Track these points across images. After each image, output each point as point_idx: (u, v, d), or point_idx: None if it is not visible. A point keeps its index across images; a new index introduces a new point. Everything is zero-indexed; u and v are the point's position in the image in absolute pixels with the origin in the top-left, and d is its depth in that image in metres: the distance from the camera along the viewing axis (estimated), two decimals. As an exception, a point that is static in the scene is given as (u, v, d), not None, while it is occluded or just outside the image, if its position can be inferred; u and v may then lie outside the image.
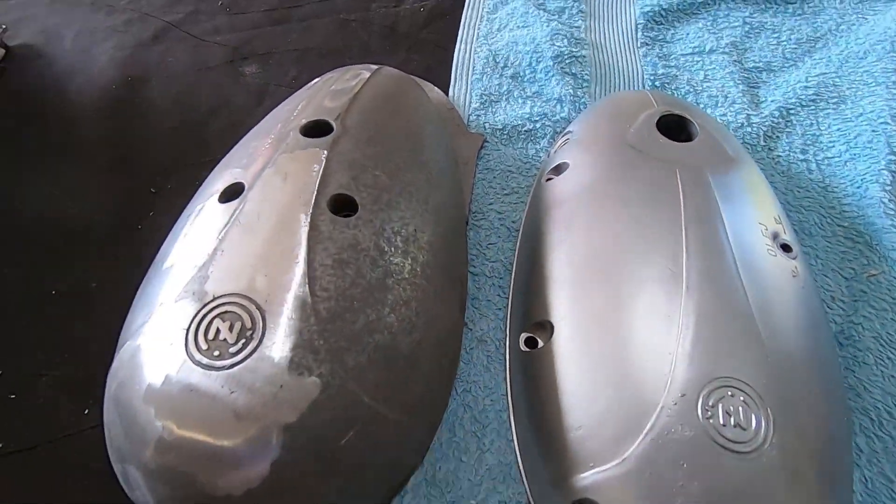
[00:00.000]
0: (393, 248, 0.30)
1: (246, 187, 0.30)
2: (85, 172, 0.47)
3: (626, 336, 0.30)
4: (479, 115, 0.51)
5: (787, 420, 0.27)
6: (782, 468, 0.25)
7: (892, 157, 0.45)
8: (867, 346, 0.37)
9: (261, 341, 0.24)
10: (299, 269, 0.26)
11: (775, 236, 0.34)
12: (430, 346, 0.30)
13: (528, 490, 0.31)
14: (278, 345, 0.24)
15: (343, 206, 0.30)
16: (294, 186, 0.29)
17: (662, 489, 0.25)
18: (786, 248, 0.34)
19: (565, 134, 0.45)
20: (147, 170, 0.47)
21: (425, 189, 0.35)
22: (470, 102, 0.52)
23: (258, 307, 0.25)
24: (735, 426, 0.26)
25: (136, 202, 0.45)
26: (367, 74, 0.41)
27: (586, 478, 0.27)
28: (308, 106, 0.36)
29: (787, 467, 0.26)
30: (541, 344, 0.33)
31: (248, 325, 0.25)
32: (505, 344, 0.37)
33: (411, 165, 0.35)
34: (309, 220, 0.28)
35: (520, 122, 0.50)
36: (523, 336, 0.34)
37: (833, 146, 0.48)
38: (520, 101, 0.52)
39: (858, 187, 0.45)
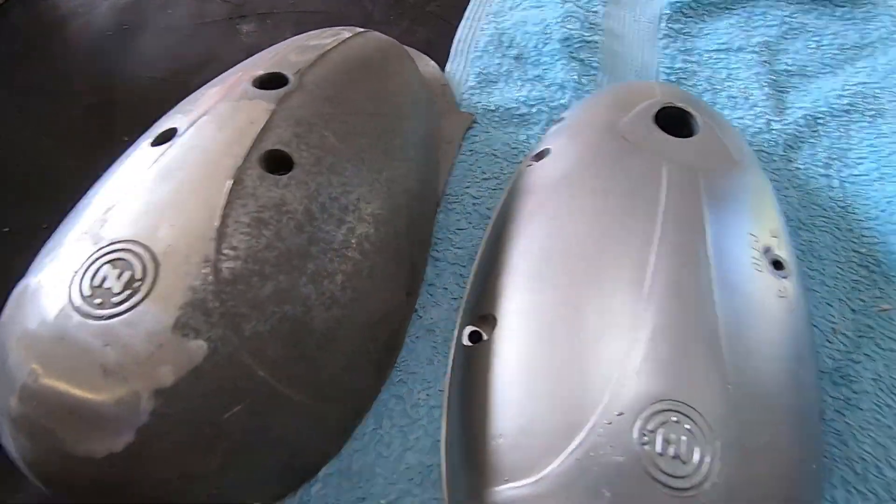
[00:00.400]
0: (326, 215, 0.27)
1: (178, 133, 0.28)
2: (65, 114, 0.47)
3: (569, 341, 0.26)
4: (473, 94, 0.48)
5: (738, 459, 0.23)
6: (722, 514, 0.22)
7: (928, 182, 0.39)
8: (864, 388, 0.32)
9: (147, 294, 0.22)
10: (210, 223, 0.24)
11: (767, 250, 0.30)
12: (354, 326, 0.28)
13: (445, 497, 0.28)
14: (166, 301, 0.22)
15: (279, 163, 0.28)
16: (228, 136, 0.27)
17: (578, 517, 0.22)
18: (778, 265, 0.30)
19: (558, 120, 0.42)
20: (125, 118, 0.46)
21: (381, 159, 0.32)
22: (466, 80, 0.49)
23: (153, 257, 0.23)
24: (674, 457, 0.23)
25: (106, 148, 0.44)
26: (348, 35, 0.38)
27: (500, 493, 0.24)
28: (272, 58, 0.34)
29: (729, 514, 0.22)
30: (484, 339, 0.30)
31: (139, 275, 0.22)
32: (454, 336, 0.34)
33: (370, 133, 0.32)
34: (234, 172, 0.26)
35: (514, 105, 0.46)
36: (468, 329, 0.31)
37: (862, 163, 0.42)
38: (519, 83, 0.48)
39: (883, 210, 0.40)
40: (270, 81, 0.32)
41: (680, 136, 0.35)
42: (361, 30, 0.41)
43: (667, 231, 0.29)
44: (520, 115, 0.46)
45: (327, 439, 0.28)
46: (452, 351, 0.33)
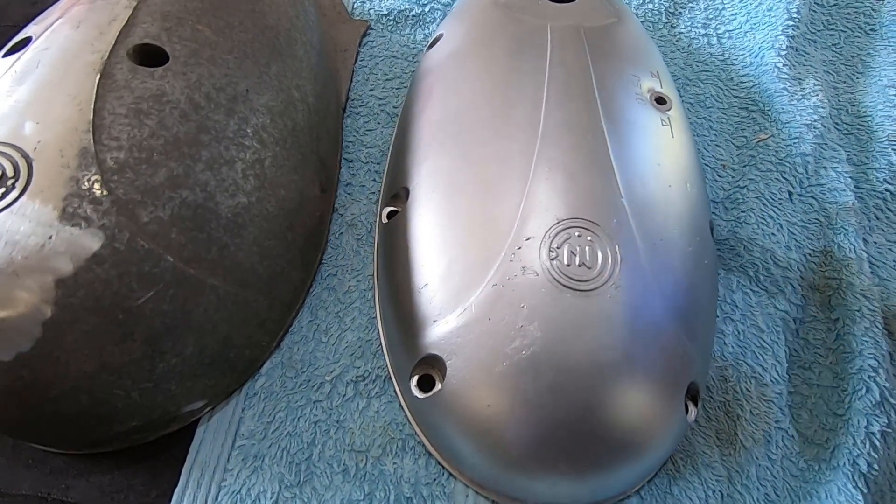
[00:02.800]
0: (213, 105, 0.27)
1: (32, 40, 0.26)
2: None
3: (475, 188, 0.27)
4: (364, 2, 0.47)
5: (636, 258, 0.25)
6: (625, 304, 0.24)
7: (790, 22, 0.43)
8: (750, 206, 0.36)
9: (24, 190, 0.21)
10: (82, 116, 0.23)
11: (650, 89, 0.32)
12: (264, 214, 0.27)
13: (387, 361, 0.29)
14: (48, 194, 0.21)
15: (151, 57, 0.26)
16: (87, 35, 0.26)
17: (500, 333, 0.24)
18: (660, 100, 0.32)
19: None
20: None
21: (266, 54, 0.31)
22: (356, -11, 0.48)
23: (24, 155, 0.22)
24: (580, 265, 0.24)
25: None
26: (215, -60, 0.36)
27: (431, 333, 0.25)
28: (130, -36, 0.32)
29: (631, 304, 0.24)
30: (399, 212, 0.31)
31: (10, 173, 0.21)
32: (375, 223, 0.34)
33: (249, 27, 0.31)
34: (102, 67, 0.24)
35: (407, 7, 0.46)
36: (386, 210, 0.32)
37: (735, 18, 0.45)
38: (409, -15, 0.47)
39: (756, 57, 0.43)
40: (131, -17, 0.30)
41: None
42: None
43: (555, 78, 0.30)
44: (414, 15, 0.45)
45: (260, 330, 0.28)
46: (376, 236, 0.33)
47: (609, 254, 0.25)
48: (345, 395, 0.29)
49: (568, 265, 0.24)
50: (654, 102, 0.32)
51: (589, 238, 0.25)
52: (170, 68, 0.26)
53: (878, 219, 0.36)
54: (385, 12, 0.46)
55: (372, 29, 0.45)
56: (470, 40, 0.35)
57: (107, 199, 0.22)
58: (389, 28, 0.45)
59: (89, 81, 0.24)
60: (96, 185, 0.22)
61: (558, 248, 0.25)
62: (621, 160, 0.27)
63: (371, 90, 0.41)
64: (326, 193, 0.34)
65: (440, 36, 0.37)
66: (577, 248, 0.25)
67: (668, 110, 0.32)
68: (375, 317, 0.31)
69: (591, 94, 0.29)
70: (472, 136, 0.29)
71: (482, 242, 0.26)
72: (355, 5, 0.47)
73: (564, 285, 0.24)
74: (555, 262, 0.24)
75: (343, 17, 0.45)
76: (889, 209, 0.37)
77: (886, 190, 0.37)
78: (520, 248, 0.25)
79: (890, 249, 0.35)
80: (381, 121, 0.40)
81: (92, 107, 0.23)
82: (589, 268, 0.24)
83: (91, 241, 0.21)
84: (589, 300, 0.24)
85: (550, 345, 0.23)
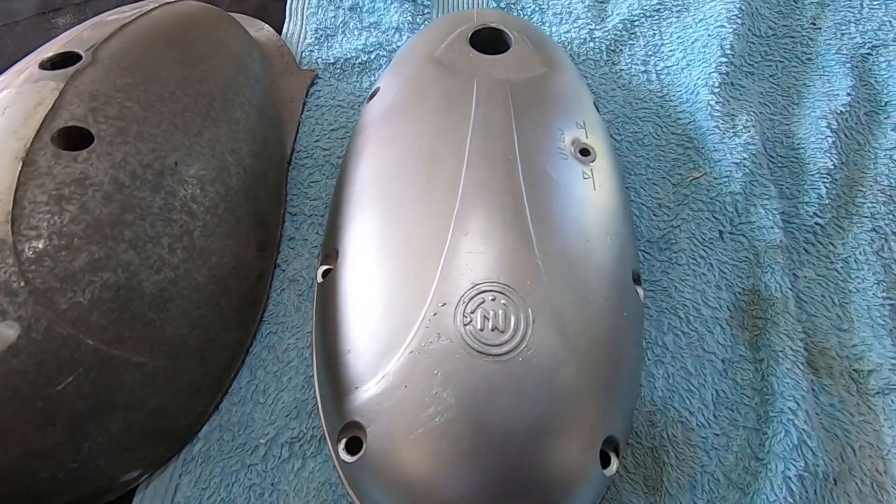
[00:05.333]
0: (139, 182, 0.27)
1: (-42, 127, 0.27)
2: None
3: (399, 254, 0.28)
4: (312, 51, 0.48)
5: (549, 319, 0.26)
6: (538, 367, 0.25)
7: (723, 59, 0.44)
8: (682, 247, 0.37)
9: (-60, 288, 0.22)
10: (2, 207, 0.24)
11: (574, 141, 0.33)
12: (193, 284, 0.28)
13: (322, 421, 0.30)
14: (-37, 290, 0.22)
15: (76, 139, 0.27)
16: (11, 121, 0.26)
17: (416, 400, 0.24)
18: (585, 152, 0.33)
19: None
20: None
21: (199, 122, 0.32)
22: (304, 38, 0.49)
23: (-59, 251, 0.22)
24: (493, 330, 0.25)
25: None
26: (152, 7, 0.37)
27: (354, 399, 0.26)
28: (66, 40, 0.33)
29: (543, 366, 0.25)
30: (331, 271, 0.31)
31: (-73, 271, 0.22)
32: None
33: (181, 97, 0.32)
34: (24, 154, 0.25)
35: (354, 55, 0.47)
36: (321, 268, 0.33)
37: (672, 54, 0.47)
38: (356, 32, 0.49)
39: (692, 94, 0.44)
40: (63, 61, 0.31)
41: (498, 54, 0.37)
42: (173, 0, 0.40)
43: (476, 138, 0.31)
44: (360, 63, 0.47)
45: (195, 397, 0.29)
46: (314, 293, 0.34)
47: (522, 317, 0.26)
48: (280, 457, 0.29)
49: (481, 330, 0.25)
50: (578, 155, 0.33)
51: (503, 302, 0.26)
52: (94, 150, 0.27)
53: (807, 252, 0.37)
54: (332, 61, 0.47)
55: (319, 78, 0.46)
56: (402, 96, 0.36)
57: (23, 290, 0.23)
58: (336, 76, 0.46)
59: (11, 170, 0.25)
60: (13, 277, 0.23)
61: (472, 313, 0.26)
62: (538, 220, 0.28)
63: (316, 141, 0.42)
64: (266, 251, 0.35)
65: (377, 89, 0.38)
66: (491, 313, 0.26)
67: (592, 161, 0.33)
68: (313, 375, 0.32)
69: (512, 153, 0.30)
70: (398, 198, 0.30)
71: (402, 308, 0.27)
72: (304, 54, 0.48)
73: (478, 351, 0.25)
74: (468, 327, 0.25)
75: (290, 68, 0.46)
76: (819, 242, 0.38)
77: (816, 224, 0.38)
78: (435, 314, 0.26)
79: (819, 283, 0.36)
80: (325, 172, 0.41)
81: (12, 196, 0.24)
82: (502, 332, 0.25)
83: (7, 333, 0.22)
84: (501, 365, 0.25)
85: (464, 411, 0.24)
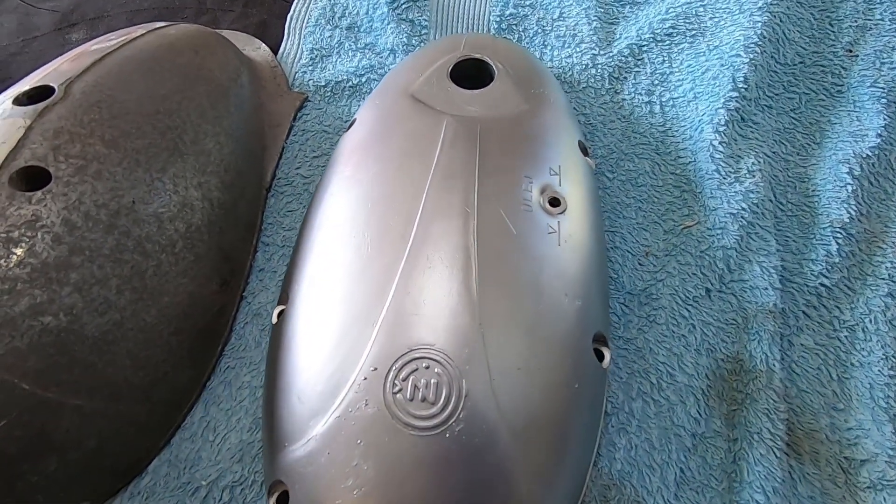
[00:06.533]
0: (91, 223, 0.28)
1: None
2: None
3: (340, 310, 0.27)
4: (306, 72, 0.47)
5: (485, 393, 0.24)
6: (465, 445, 0.23)
7: (734, 94, 0.40)
8: (662, 304, 0.34)
9: None
10: (-50, 251, 0.24)
11: (543, 190, 0.31)
12: (140, 326, 0.28)
13: (263, 468, 0.30)
14: None
15: (35, 178, 0.28)
16: (-26, 161, 0.27)
17: (337, 469, 0.24)
18: (554, 202, 0.31)
19: (379, 87, 0.42)
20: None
21: (164, 157, 0.32)
22: (299, 58, 0.48)
23: None
24: (423, 401, 0.24)
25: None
26: (140, 33, 0.38)
27: (283, 457, 0.26)
28: (46, 71, 0.33)
29: (472, 444, 0.23)
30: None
31: None
32: (277, 317, 0.35)
33: (148, 132, 0.32)
34: (-20, 196, 0.26)
35: (345, 78, 0.46)
36: (278, 308, 0.32)
37: (681, 84, 0.43)
38: (350, 53, 0.48)
39: (696, 130, 0.41)
40: (37, 95, 0.31)
41: (483, 85, 0.35)
42: (160, 24, 0.41)
43: (435, 187, 0.30)
44: (350, 87, 0.46)
45: (140, 435, 0.29)
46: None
47: (454, 389, 0.24)
48: (220, 500, 0.30)
49: (410, 400, 0.24)
50: (546, 205, 0.31)
51: (436, 371, 0.25)
52: (50, 190, 0.27)
53: (807, 317, 0.34)
54: (323, 83, 0.46)
55: (309, 101, 0.46)
56: (373, 133, 0.35)
57: (-38, 335, 0.23)
58: (326, 99, 0.46)
59: (-36, 213, 0.25)
60: (-48, 322, 0.23)
61: (403, 380, 0.24)
62: (487, 281, 0.27)
63: (297, 168, 0.42)
64: (230, 285, 0.35)
65: (355, 121, 0.37)
66: (422, 382, 0.24)
67: (562, 212, 0.31)
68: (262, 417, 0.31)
69: (470, 204, 0.29)
70: (349, 247, 0.29)
71: (335, 369, 0.26)
72: (297, 75, 0.47)
73: (404, 422, 0.24)
74: (398, 395, 0.24)
75: (281, 90, 0.46)
76: (822, 305, 0.34)
77: (822, 285, 0.34)
78: (366, 378, 0.25)
79: (816, 354, 0.33)
80: (303, 201, 0.40)
81: (-38, 239, 0.25)
82: (431, 404, 0.24)
83: (-59, 379, 0.23)
84: (427, 440, 0.23)
85: (382, 487, 0.23)
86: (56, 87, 0.31)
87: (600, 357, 0.29)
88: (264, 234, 0.39)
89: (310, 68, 0.47)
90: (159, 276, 0.30)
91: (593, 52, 0.46)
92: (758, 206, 0.36)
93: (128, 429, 0.28)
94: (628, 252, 0.37)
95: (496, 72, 0.36)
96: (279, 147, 0.43)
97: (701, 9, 0.47)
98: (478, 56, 0.37)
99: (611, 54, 0.45)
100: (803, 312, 0.34)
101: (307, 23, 0.50)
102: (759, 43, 0.42)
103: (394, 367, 0.25)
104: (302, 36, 0.50)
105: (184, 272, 0.31)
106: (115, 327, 0.27)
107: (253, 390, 0.33)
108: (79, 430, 0.26)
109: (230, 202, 0.36)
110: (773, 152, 0.40)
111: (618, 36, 0.47)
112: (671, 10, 0.47)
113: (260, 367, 0.34)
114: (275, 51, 0.49)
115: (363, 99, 0.45)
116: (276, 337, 0.30)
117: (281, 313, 0.32)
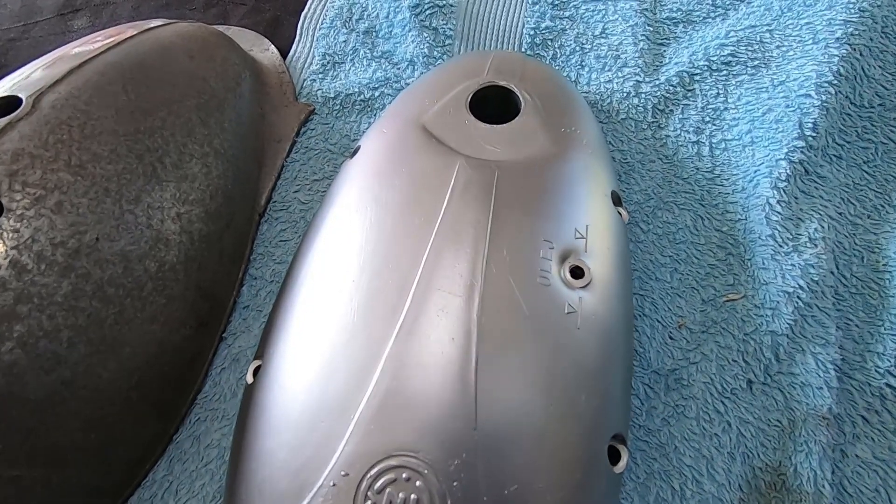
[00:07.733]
0: (44, 265, 0.24)
1: None
2: None
3: (316, 386, 0.24)
4: (315, 81, 0.43)
5: (472, 517, 0.20)
6: (443, 583, 0.20)
7: (799, 143, 0.35)
8: (694, 393, 0.29)
9: None
10: None
11: (565, 258, 0.26)
12: (94, 384, 0.25)
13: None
14: None
15: (-14, 211, 0.25)
16: (-80, 188, 0.24)
17: None
18: (577, 273, 0.26)
19: (392, 107, 0.37)
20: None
21: (139, 185, 0.28)
22: (310, 64, 0.44)
23: None
24: (398, 521, 0.20)
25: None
26: (130, 34, 0.34)
27: (234, 560, 0.22)
28: (17, 76, 0.30)
29: (452, 582, 0.20)
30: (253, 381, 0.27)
31: None
32: (256, 367, 0.31)
33: (123, 154, 0.28)
34: (-81, 231, 0.23)
35: (356, 90, 0.42)
36: (253, 364, 0.29)
37: (736, 125, 0.38)
38: (365, 62, 0.43)
39: (750, 181, 0.35)
40: (3, 107, 0.28)
41: (507, 116, 0.31)
42: (159, 23, 0.37)
43: (438, 248, 0.25)
44: (362, 100, 0.41)
45: (92, 497, 0.26)
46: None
47: (437, 509, 0.20)
48: (173, 580, 0.27)
49: (384, 519, 0.20)
50: (567, 276, 0.26)
51: (418, 484, 0.21)
52: (0, 225, 0.24)
53: (867, 423, 0.29)
54: (332, 95, 0.42)
55: (316, 114, 0.42)
56: (376, 168, 0.30)
57: None
58: (334, 114, 0.41)
59: None
60: None
61: (378, 493, 0.21)
62: (488, 373, 0.22)
63: (296, 191, 0.38)
64: (207, 327, 0.31)
65: (359, 147, 0.33)
66: (400, 497, 0.20)
67: (585, 286, 0.26)
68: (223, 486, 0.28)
69: (476, 275, 0.25)
70: (334, 313, 0.25)
71: (302, 465, 0.22)
72: (305, 83, 0.43)
73: (374, 547, 0.20)
74: (370, 511, 0.20)
75: (287, 100, 0.42)
76: (887, 410, 0.29)
77: (888, 385, 0.29)
78: (334, 484, 0.21)
79: (875, 471, 0.28)
80: (298, 230, 0.37)
81: None
82: (408, 526, 0.20)
83: None
84: (398, 572, 0.20)
85: None
86: (24, 99, 0.28)
87: (615, 458, 0.25)
88: (253, 265, 0.35)
89: (320, 76, 0.43)
90: (121, 325, 0.26)
91: (637, 77, 0.40)
92: (818, 285, 0.31)
93: (77, 492, 0.26)
94: (658, 322, 0.32)
95: (523, 104, 0.32)
96: (278, 166, 0.39)
97: (767, 35, 0.40)
98: (503, 84, 0.32)
99: (657, 82, 0.40)
100: (862, 417, 0.29)
101: (321, 24, 0.46)
102: (835, 82, 0.36)
103: (368, 476, 0.21)
104: (315, 38, 0.45)
105: (152, 318, 0.28)
106: (63, 386, 0.24)
107: (221, 451, 0.30)
108: (17, 501, 0.23)
109: (214, 234, 0.32)
110: (840, 213, 0.35)
111: (667, 60, 0.41)
112: (732, 33, 0.41)
113: (233, 422, 0.30)
114: (285, 53, 0.45)
115: (374, 115, 0.41)
116: (247, 402, 0.26)
117: (257, 370, 0.28)
